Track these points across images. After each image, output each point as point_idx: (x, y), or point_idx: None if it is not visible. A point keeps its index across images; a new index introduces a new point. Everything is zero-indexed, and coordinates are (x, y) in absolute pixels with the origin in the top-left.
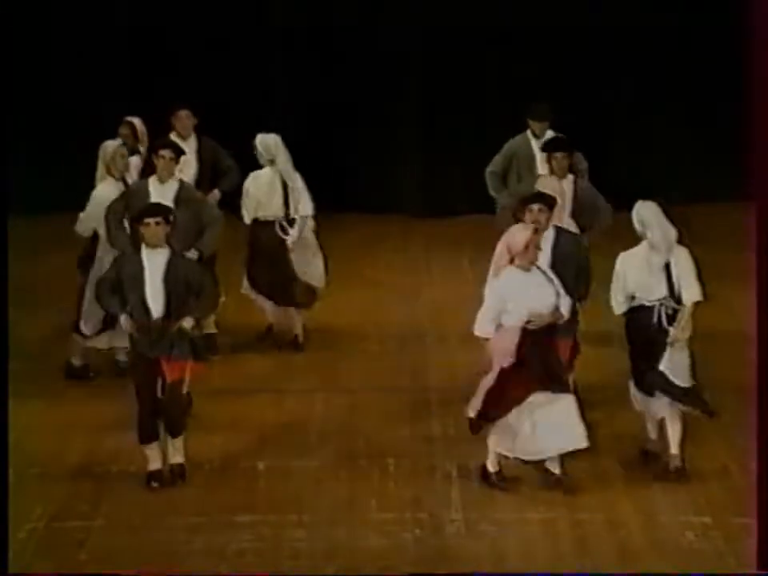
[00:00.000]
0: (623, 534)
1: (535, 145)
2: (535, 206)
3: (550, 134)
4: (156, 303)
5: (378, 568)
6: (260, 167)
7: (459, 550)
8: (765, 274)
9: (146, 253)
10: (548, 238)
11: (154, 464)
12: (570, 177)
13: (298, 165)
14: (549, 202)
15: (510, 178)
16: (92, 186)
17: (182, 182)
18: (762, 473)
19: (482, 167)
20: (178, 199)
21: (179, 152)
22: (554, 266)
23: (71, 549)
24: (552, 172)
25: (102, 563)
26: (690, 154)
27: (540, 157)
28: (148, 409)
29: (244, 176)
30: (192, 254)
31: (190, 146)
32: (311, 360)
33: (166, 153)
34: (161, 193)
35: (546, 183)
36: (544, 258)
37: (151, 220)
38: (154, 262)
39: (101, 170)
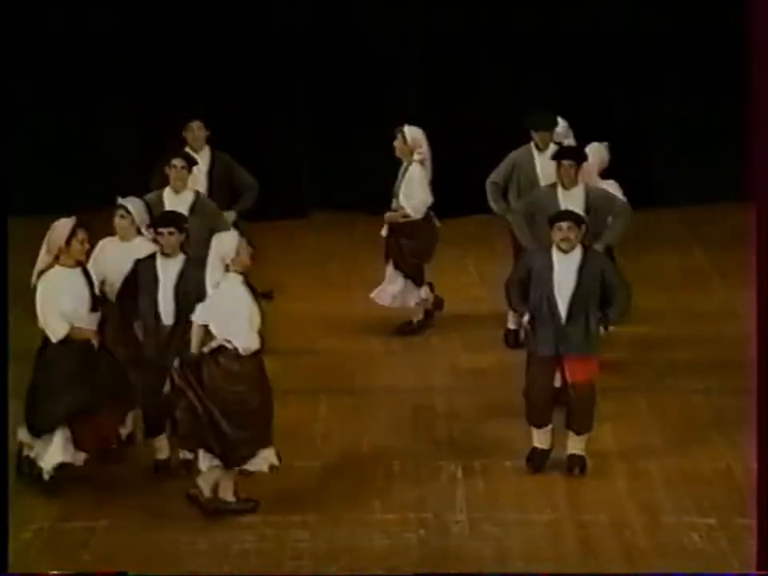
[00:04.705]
0: (627, 534)
1: (538, 157)
2: (564, 224)
3: (553, 146)
4: (167, 310)
5: (381, 568)
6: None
7: (463, 551)
8: (765, 274)
9: (160, 261)
10: (575, 257)
11: (161, 453)
12: (581, 186)
13: (299, 165)
14: (577, 219)
15: (511, 190)
16: (90, 186)
17: (197, 192)
18: (762, 473)
19: (486, 167)
20: (193, 210)
21: (191, 162)
22: (579, 286)
23: (76, 549)
24: (560, 180)
25: (106, 563)
26: (690, 155)
27: (542, 169)
28: (151, 410)
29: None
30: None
31: (201, 161)
32: (315, 360)
33: (178, 162)
34: (175, 204)
35: (543, 194)
36: (568, 278)
37: (165, 230)
38: (167, 270)
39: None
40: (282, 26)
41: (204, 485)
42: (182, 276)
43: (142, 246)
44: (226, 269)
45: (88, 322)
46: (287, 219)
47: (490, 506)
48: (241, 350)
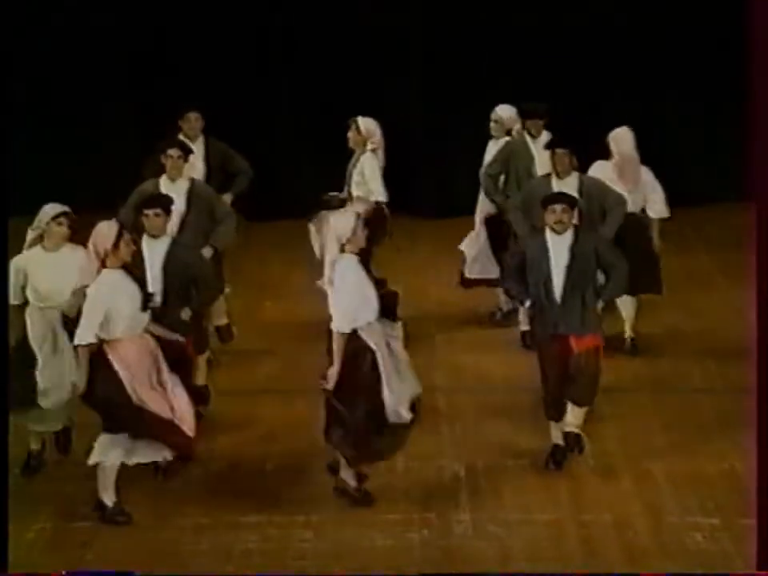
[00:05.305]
0: (630, 534)
1: (532, 145)
2: (558, 206)
3: (546, 134)
4: (155, 291)
5: (384, 568)
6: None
7: (466, 551)
8: (765, 274)
9: (146, 242)
10: (567, 238)
11: None
12: (575, 174)
13: (299, 165)
14: (571, 201)
15: (509, 180)
16: (90, 186)
17: (193, 180)
18: (763, 474)
19: None
20: (190, 197)
21: (187, 150)
22: (572, 265)
23: (78, 549)
24: (554, 169)
25: (108, 563)
26: (690, 155)
27: (538, 157)
28: None
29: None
30: (207, 251)
31: (196, 149)
32: (317, 360)
33: (174, 152)
34: (171, 192)
35: (538, 185)
36: (561, 258)
37: (150, 211)
38: (154, 252)
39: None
40: (282, 26)
41: (348, 475)
42: (169, 257)
43: (71, 255)
44: (342, 249)
45: (140, 322)
46: (287, 219)
47: (492, 506)
48: (333, 328)
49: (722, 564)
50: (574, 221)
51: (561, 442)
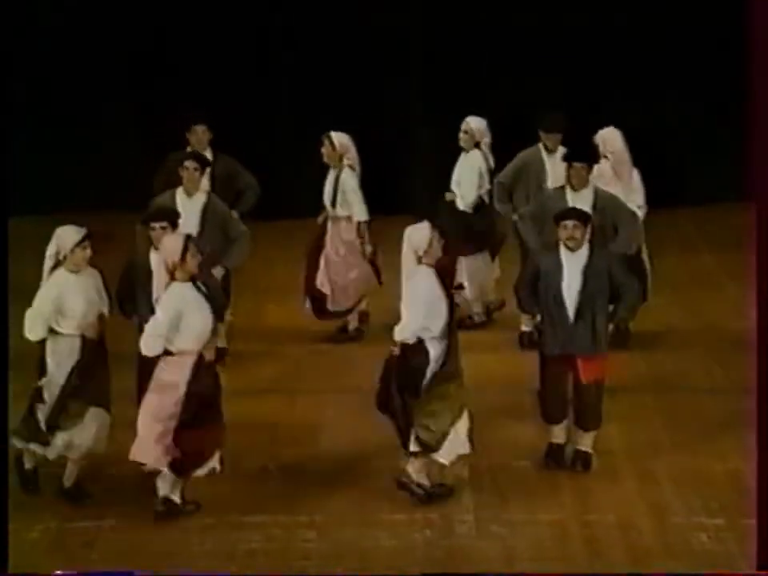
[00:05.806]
0: (634, 535)
1: (547, 160)
2: (569, 222)
3: (561, 149)
4: None
5: (387, 568)
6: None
7: (469, 551)
8: (765, 274)
9: (153, 256)
10: (581, 256)
11: None
12: (590, 187)
13: (299, 164)
14: (583, 216)
15: (519, 192)
16: (90, 186)
17: (209, 194)
18: (763, 473)
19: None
20: (205, 212)
21: (204, 163)
22: (585, 285)
23: (83, 549)
24: (569, 182)
25: (112, 563)
26: (690, 155)
27: (552, 172)
28: None
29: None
30: (219, 270)
31: None
32: (321, 361)
33: (190, 164)
34: (188, 206)
35: (551, 197)
36: (575, 276)
37: (157, 224)
38: (160, 266)
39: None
40: (282, 25)
41: (412, 471)
42: None
43: (94, 278)
44: (418, 261)
45: (207, 336)
46: (287, 219)
47: (496, 506)
48: (396, 336)
49: (727, 564)
50: (588, 237)
51: (558, 440)
